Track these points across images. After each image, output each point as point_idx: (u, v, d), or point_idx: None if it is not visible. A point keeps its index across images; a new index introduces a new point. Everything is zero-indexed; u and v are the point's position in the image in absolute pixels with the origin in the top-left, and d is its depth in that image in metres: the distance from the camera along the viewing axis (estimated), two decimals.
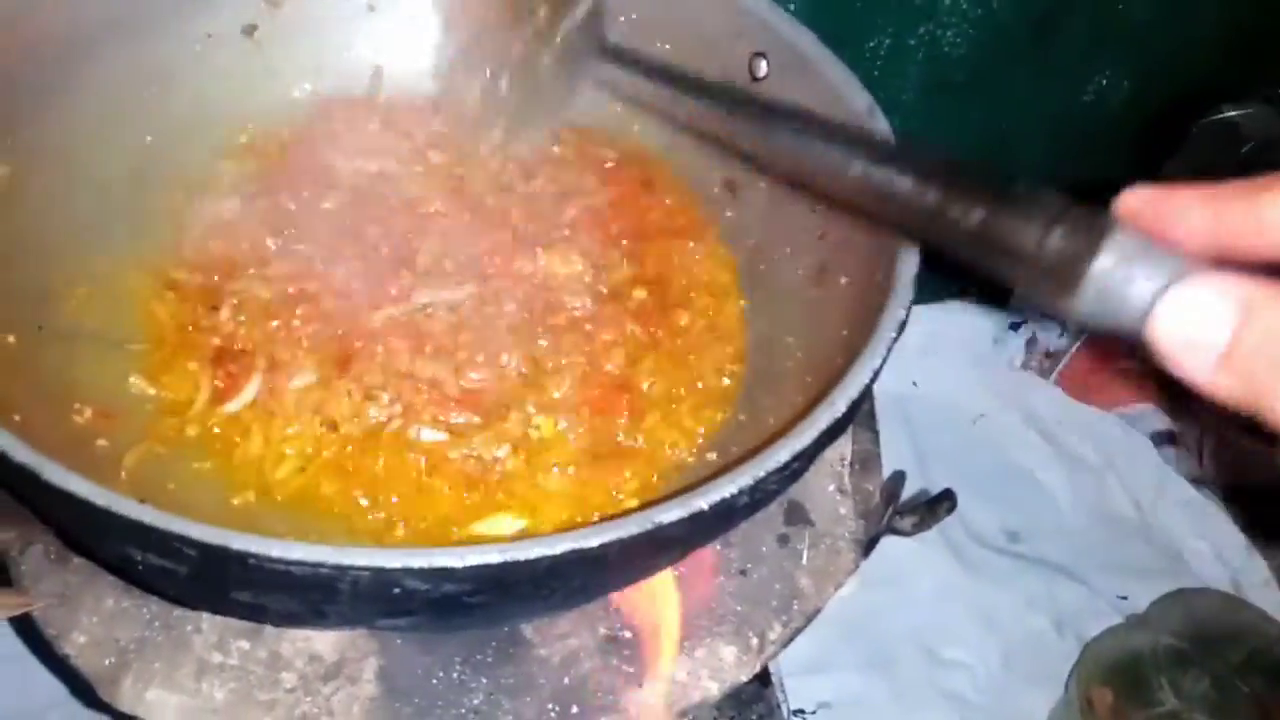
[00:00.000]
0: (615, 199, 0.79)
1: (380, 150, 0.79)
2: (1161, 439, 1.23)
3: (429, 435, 0.66)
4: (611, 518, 0.48)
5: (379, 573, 0.45)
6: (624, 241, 0.77)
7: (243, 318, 0.69)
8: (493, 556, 0.45)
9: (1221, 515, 1.18)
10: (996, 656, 1.07)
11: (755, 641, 0.66)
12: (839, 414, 0.53)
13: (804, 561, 0.70)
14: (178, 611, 0.63)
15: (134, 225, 0.72)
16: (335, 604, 0.48)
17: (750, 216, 0.78)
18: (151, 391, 0.66)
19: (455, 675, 0.64)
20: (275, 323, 0.69)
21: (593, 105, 0.82)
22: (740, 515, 0.54)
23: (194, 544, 0.44)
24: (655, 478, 0.67)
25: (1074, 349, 1.25)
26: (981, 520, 1.16)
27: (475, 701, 0.63)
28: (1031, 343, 1.26)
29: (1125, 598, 1.11)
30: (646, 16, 0.80)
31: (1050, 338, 1.27)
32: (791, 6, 0.98)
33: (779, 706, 0.85)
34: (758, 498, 0.51)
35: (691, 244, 0.77)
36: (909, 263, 0.58)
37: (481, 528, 0.64)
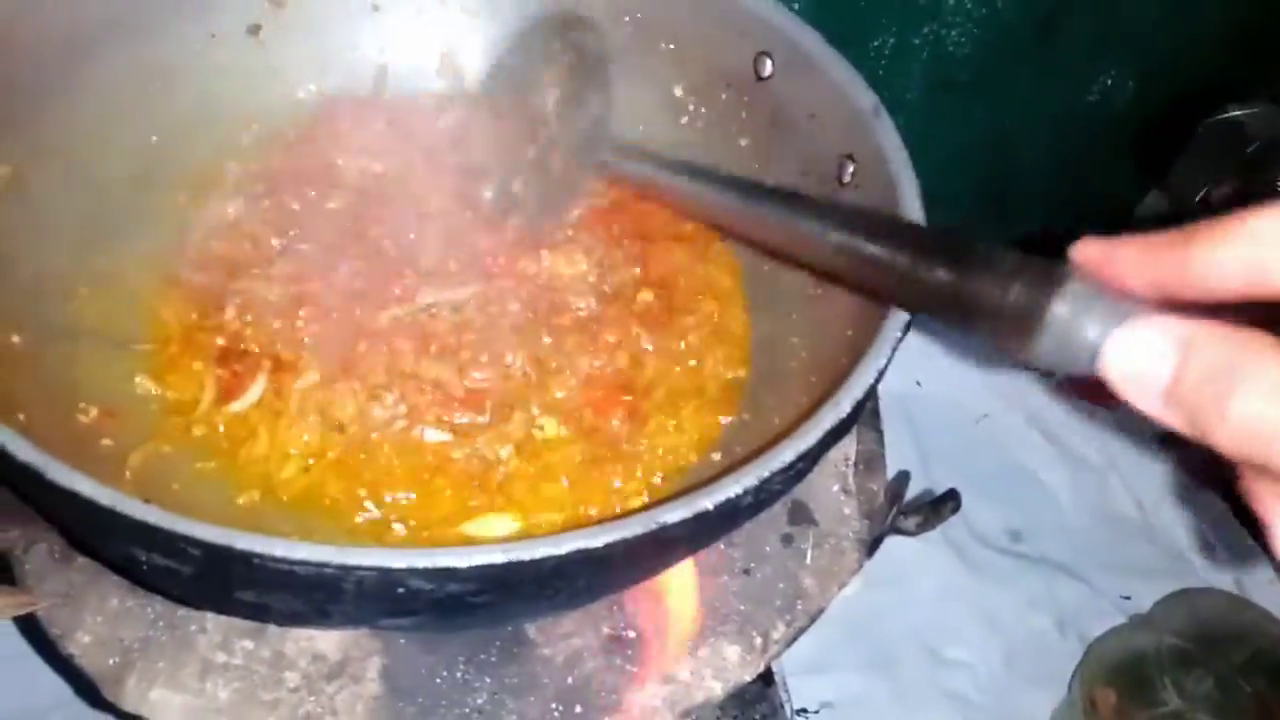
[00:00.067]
0: (619, 200, 0.78)
1: (385, 150, 0.79)
2: (1164, 439, 1.23)
3: (433, 435, 0.66)
4: (614, 518, 0.48)
5: (383, 573, 0.45)
6: (627, 243, 0.77)
7: (248, 317, 0.69)
8: (497, 556, 0.45)
9: (1225, 515, 1.17)
10: (999, 656, 1.07)
11: (759, 641, 0.66)
12: (844, 414, 0.53)
13: (808, 561, 0.70)
14: (182, 611, 0.63)
15: (138, 225, 0.72)
16: (339, 604, 0.48)
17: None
18: (156, 391, 0.66)
19: (459, 675, 0.64)
20: (280, 323, 0.68)
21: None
22: (745, 515, 0.54)
23: (199, 544, 0.44)
24: (659, 478, 0.67)
25: None
26: (984, 520, 1.16)
27: (479, 701, 0.63)
28: None
29: (1128, 598, 1.10)
30: (651, 17, 0.80)
31: None
32: (796, 5, 0.97)
33: (782, 706, 0.85)
34: (762, 498, 0.51)
35: (695, 246, 0.77)
36: None
37: (472, 528, 0.64)
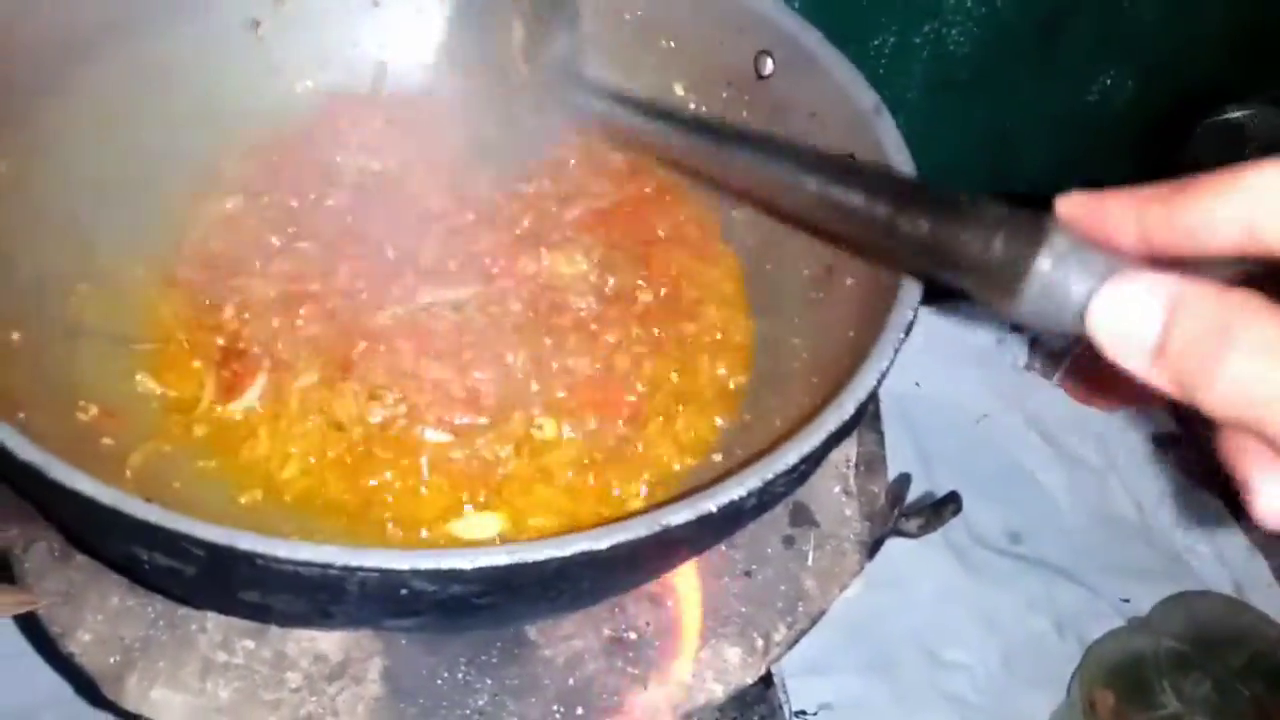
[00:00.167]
0: (620, 200, 0.78)
1: (384, 148, 0.79)
2: (1163, 441, 1.23)
3: (433, 435, 0.66)
4: (615, 520, 0.48)
5: (387, 574, 0.45)
6: (628, 244, 0.77)
7: (246, 316, 0.69)
8: (501, 558, 0.45)
9: (1224, 517, 1.17)
10: (997, 658, 1.07)
11: (760, 643, 0.66)
12: (847, 416, 0.53)
13: (809, 563, 0.70)
14: (182, 610, 0.63)
15: (137, 222, 0.71)
16: (342, 604, 0.48)
17: (756, 216, 0.78)
18: (157, 390, 0.66)
19: (460, 676, 0.63)
20: (279, 322, 0.68)
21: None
22: (748, 517, 0.54)
23: (202, 544, 0.44)
24: (660, 480, 0.67)
25: (1076, 350, 1.24)
26: (983, 521, 1.16)
27: (480, 702, 0.63)
28: (1034, 344, 1.26)
29: (1127, 600, 1.10)
30: (651, 15, 0.80)
31: (1053, 339, 1.27)
32: (796, 4, 0.97)
33: (781, 707, 0.85)
34: (765, 500, 0.51)
35: (697, 248, 0.77)
36: None
37: (459, 528, 0.64)
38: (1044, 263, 0.36)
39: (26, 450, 0.47)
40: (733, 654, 0.66)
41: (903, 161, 0.65)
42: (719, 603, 0.68)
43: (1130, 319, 0.34)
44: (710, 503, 0.48)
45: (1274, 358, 0.30)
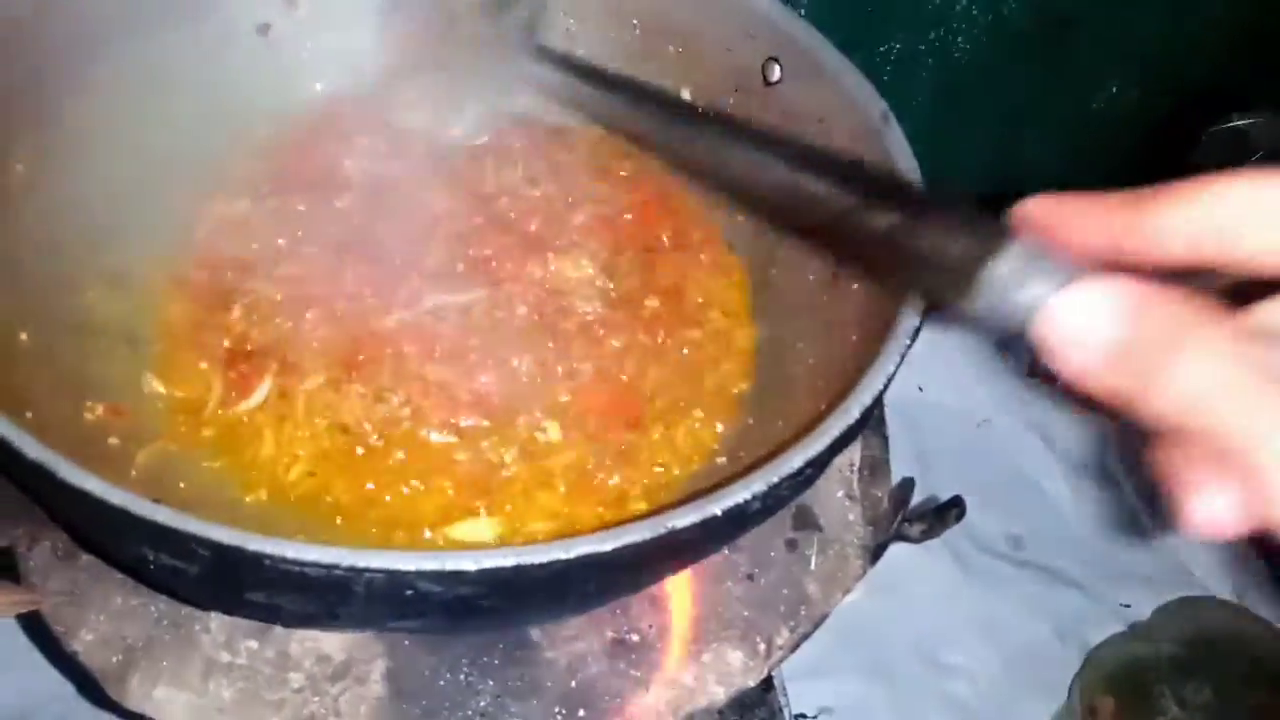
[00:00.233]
0: (625, 205, 0.78)
1: (392, 151, 0.79)
2: None
3: (438, 438, 0.66)
4: (619, 523, 0.48)
5: (392, 575, 0.45)
6: (633, 248, 0.77)
7: (254, 318, 0.69)
8: (506, 560, 0.45)
9: None
10: (998, 664, 1.07)
11: (762, 647, 0.66)
12: (852, 421, 0.53)
13: (812, 567, 0.70)
14: (186, 610, 0.63)
15: (146, 224, 0.72)
16: (348, 605, 0.48)
17: (761, 222, 0.78)
18: (163, 390, 0.66)
19: (462, 677, 0.64)
20: (286, 324, 0.69)
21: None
22: (752, 521, 0.54)
23: (209, 545, 0.44)
24: (664, 484, 0.67)
25: None
26: (985, 526, 1.16)
27: (482, 704, 0.63)
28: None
29: (1128, 606, 1.10)
30: (658, 20, 0.81)
31: None
32: (803, 10, 0.98)
33: (781, 711, 0.85)
34: (770, 504, 0.51)
35: (701, 251, 0.77)
36: None
37: (456, 532, 0.64)
38: (1001, 265, 0.36)
39: (34, 449, 0.47)
40: (735, 657, 0.66)
41: (910, 168, 0.65)
42: (721, 606, 0.68)
43: (1084, 323, 0.34)
44: (715, 506, 0.48)
45: (1225, 360, 0.30)
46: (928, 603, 1.09)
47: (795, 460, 0.50)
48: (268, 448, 0.65)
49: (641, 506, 0.66)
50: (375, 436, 0.65)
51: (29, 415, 0.54)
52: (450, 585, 0.46)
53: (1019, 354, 1.27)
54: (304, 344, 0.68)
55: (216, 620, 0.63)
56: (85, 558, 0.64)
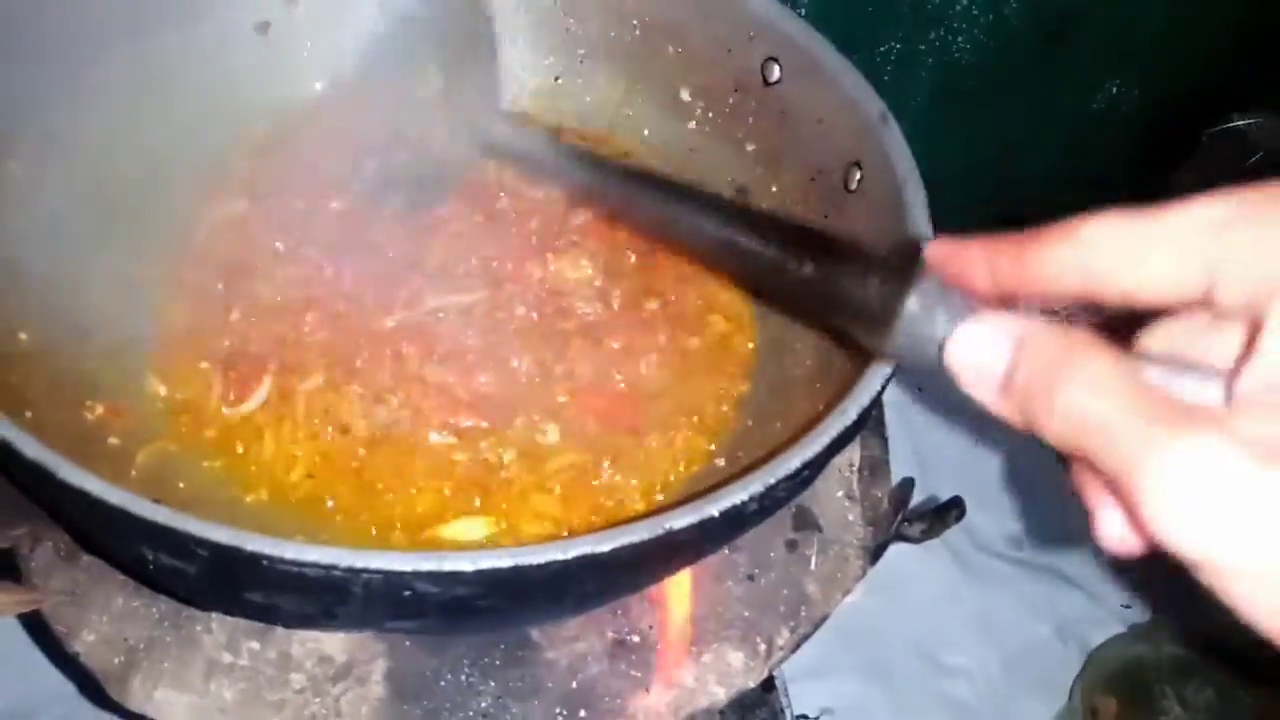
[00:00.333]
0: None
1: (390, 152, 0.79)
2: None
3: (437, 439, 0.66)
4: (617, 524, 0.48)
5: (390, 575, 0.45)
6: (633, 250, 0.77)
7: (253, 319, 0.69)
8: (504, 560, 0.45)
9: None
10: (998, 664, 1.07)
11: (763, 647, 0.66)
12: (850, 421, 0.53)
13: (812, 567, 0.70)
14: (187, 611, 0.63)
15: (144, 223, 0.72)
16: (346, 605, 0.48)
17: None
18: (163, 391, 0.67)
19: (463, 678, 0.64)
20: (285, 325, 0.69)
21: (599, 108, 0.83)
22: (751, 522, 0.54)
23: (209, 544, 0.44)
24: (662, 485, 0.68)
25: None
26: (984, 526, 1.16)
27: (483, 704, 0.63)
28: None
29: (1129, 606, 1.10)
30: (658, 21, 0.81)
31: None
32: (803, 11, 0.98)
33: (782, 711, 0.85)
34: (768, 504, 0.51)
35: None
36: None
37: (449, 531, 0.64)
38: (912, 304, 0.38)
39: (35, 450, 0.47)
40: (735, 658, 0.66)
41: (908, 168, 0.65)
42: (722, 606, 0.68)
43: (980, 355, 0.36)
44: (713, 507, 0.48)
45: (1103, 391, 0.32)
46: (927, 603, 1.09)
47: (792, 462, 0.50)
48: (267, 448, 0.65)
49: (639, 508, 0.66)
50: (375, 437, 0.65)
51: (29, 415, 0.54)
52: (448, 586, 0.46)
53: None
54: (303, 344, 0.68)
55: (218, 621, 0.63)
56: (87, 558, 0.64)
